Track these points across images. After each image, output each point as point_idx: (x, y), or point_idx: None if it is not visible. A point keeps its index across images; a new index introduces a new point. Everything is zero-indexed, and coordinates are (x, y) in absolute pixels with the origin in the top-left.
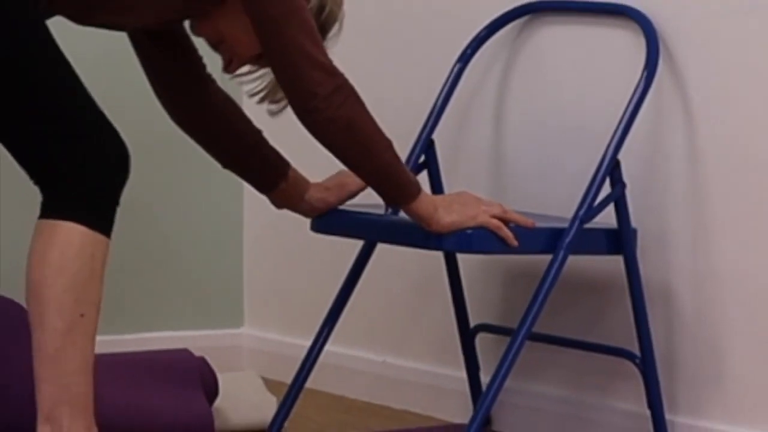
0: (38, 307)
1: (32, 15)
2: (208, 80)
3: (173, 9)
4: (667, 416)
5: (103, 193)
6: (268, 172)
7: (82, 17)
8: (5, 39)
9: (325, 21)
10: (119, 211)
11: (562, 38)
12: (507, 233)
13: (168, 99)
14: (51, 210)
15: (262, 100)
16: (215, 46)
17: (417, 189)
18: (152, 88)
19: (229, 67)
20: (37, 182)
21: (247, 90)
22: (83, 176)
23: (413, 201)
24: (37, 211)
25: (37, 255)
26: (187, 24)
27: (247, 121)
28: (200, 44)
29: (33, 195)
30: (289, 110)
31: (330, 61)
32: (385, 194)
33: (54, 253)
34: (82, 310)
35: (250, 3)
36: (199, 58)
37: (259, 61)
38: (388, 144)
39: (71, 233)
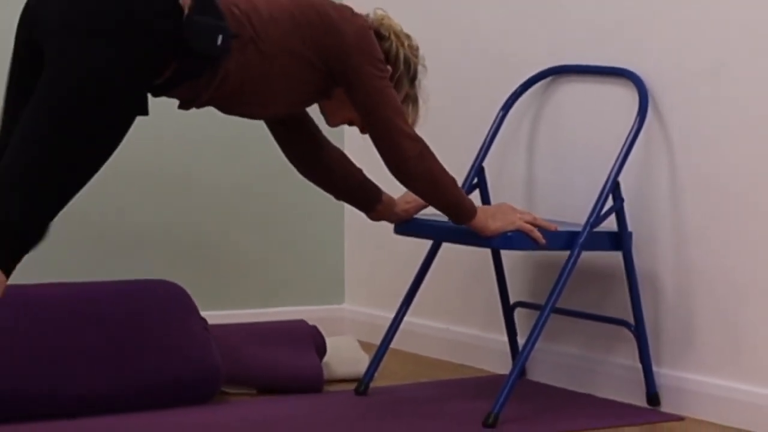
0: None
1: (130, 118)
2: (322, 140)
3: (297, 106)
4: (654, 368)
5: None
6: (368, 200)
7: (228, 110)
8: (94, 118)
9: (414, 72)
10: (264, 217)
11: (576, 93)
12: (537, 235)
13: (294, 159)
14: None
15: None
16: (349, 124)
17: (474, 211)
18: (282, 153)
19: (362, 132)
20: None
21: None
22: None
23: (470, 221)
24: None
25: None
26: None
27: (351, 164)
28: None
29: None
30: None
31: (413, 130)
32: (451, 217)
33: None
34: None
35: (352, 95)
36: (315, 126)
37: None
38: (454, 183)
39: None
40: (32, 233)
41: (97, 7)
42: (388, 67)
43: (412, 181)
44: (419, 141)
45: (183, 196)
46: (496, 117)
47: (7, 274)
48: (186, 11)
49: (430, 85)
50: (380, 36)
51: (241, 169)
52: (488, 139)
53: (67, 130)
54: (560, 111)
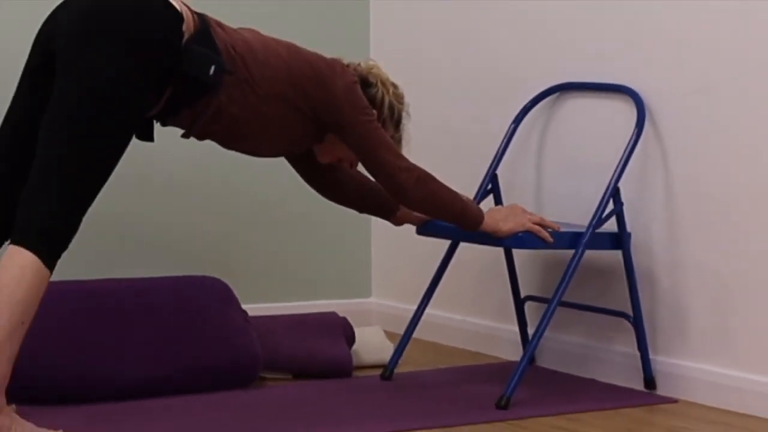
0: None
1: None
2: (339, 167)
3: (292, 147)
4: (650, 356)
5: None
6: (387, 209)
7: (226, 144)
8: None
9: (398, 117)
10: (299, 220)
11: (580, 107)
12: (545, 234)
13: (316, 186)
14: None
15: None
16: (339, 162)
17: (481, 217)
18: (304, 181)
19: (351, 168)
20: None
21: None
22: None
23: (480, 226)
24: None
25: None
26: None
27: (364, 178)
28: None
29: None
30: None
31: (407, 161)
32: (460, 226)
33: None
34: (24, 318)
35: (346, 141)
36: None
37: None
38: (454, 197)
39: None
40: (69, 233)
41: (112, 19)
42: (374, 111)
43: (415, 206)
44: (413, 170)
45: (227, 203)
46: (508, 129)
47: (51, 270)
48: (185, 38)
49: (450, 100)
50: (368, 83)
51: (279, 177)
52: (501, 149)
53: (87, 132)
54: (565, 124)
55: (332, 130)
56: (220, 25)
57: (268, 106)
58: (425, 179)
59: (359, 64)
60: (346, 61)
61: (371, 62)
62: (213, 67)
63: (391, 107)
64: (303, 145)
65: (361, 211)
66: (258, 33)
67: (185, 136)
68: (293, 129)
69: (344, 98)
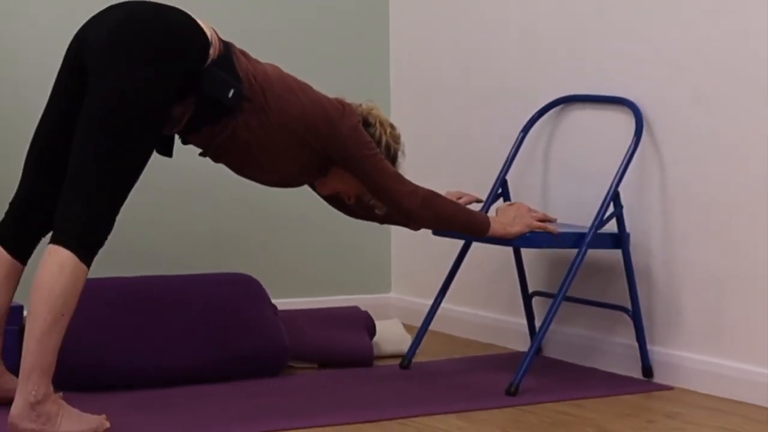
0: (36, 302)
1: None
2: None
3: (298, 178)
4: (648, 346)
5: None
6: (404, 221)
7: (238, 170)
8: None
9: (394, 155)
10: (324, 221)
11: (583, 118)
12: (552, 228)
13: (347, 213)
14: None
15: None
16: (337, 194)
17: (487, 225)
18: (337, 209)
19: (348, 201)
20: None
21: (373, 204)
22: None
23: (487, 233)
24: None
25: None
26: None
27: None
28: None
29: None
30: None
31: (410, 185)
32: (469, 235)
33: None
34: (64, 311)
35: (354, 173)
36: None
37: (365, 194)
38: (458, 210)
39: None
40: (103, 232)
41: (142, 37)
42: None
43: (422, 224)
44: (417, 193)
45: (258, 208)
46: (517, 138)
47: (88, 266)
48: (209, 61)
49: (464, 112)
50: (368, 123)
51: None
52: (510, 157)
53: (116, 140)
54: (569, 133)
55: (340, 164)
56: (244, 54)
57: (280, 137)
58: (429, 198)
59: (360, 105)
60: (348, 100)
61: (371, 104)
62: (232, 91)
63: (388, 146)
64: (309, 177)
65: (382, 223)
66: (279, 69)
67: (202, 155)
68: (301, 162)
69: (350, 136)
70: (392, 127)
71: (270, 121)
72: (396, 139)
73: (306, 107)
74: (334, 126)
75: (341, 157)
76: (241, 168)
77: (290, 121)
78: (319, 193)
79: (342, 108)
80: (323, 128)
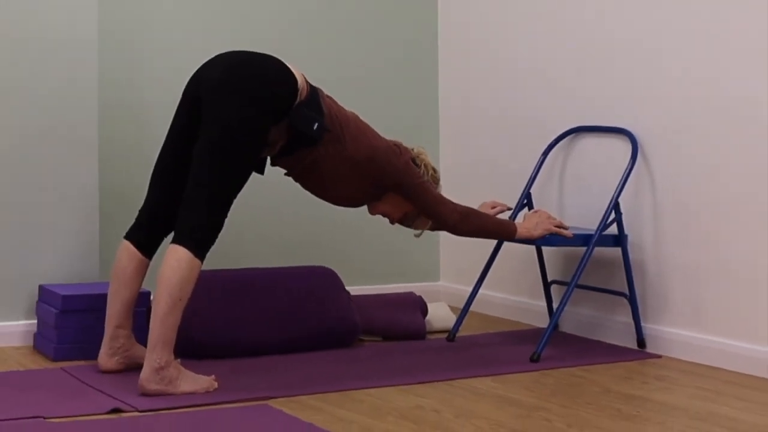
0: (159, 290)
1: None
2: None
3: (356, 201)
4: (641, 323)
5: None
6: None
7: (313, 191)
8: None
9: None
10: (386, 222)
11: (591, 144)
12: (567, 232)
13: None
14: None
15: (410, 227)
16: (383, 215)
17: (514, 230)
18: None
19: (391, 222)
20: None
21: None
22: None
23: (515, 236)
24: None
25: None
26: None
27: None
28: None
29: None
30: None
31: (451, 204)
32: (501, 239)
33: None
34: (182, 296)
35: (405, 197)
36: None
37: (405, 217)
38: (491, 219)
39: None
40: (214, 233)
41: (248, 78)
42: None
43: (462, 235)
44: (457, 210)
45: (333, 216)
46: (539, 160)
47: (202, 260)
48: (299, 100)
49: (496, 139)
50: (416, 164)
51: None
52: (533, 175)
53: (224, 161)
54: (580, 156)
55: (394, 190)
56: (330, 97)
57: (349, 165)
58: (467, 214)
59: (413, 149)
60: (405, 144)
61: (421, 149)
62: (316, 124)
63: (435, 179)
64: (366, 200)
65: (434, 230)
66: (357, 115)
67: (287, 174)
68: (363, 188)
69: (404, 170)
70: (434, 170)
71: (345, 151)
72: (436, 180)
73: (374, 148)
74: (392, 163)
75: (395, 184)
76: (316, 190)
77: (359, 157)
78: (370, 213)
79: (398, 150)
80: (384, 164)
